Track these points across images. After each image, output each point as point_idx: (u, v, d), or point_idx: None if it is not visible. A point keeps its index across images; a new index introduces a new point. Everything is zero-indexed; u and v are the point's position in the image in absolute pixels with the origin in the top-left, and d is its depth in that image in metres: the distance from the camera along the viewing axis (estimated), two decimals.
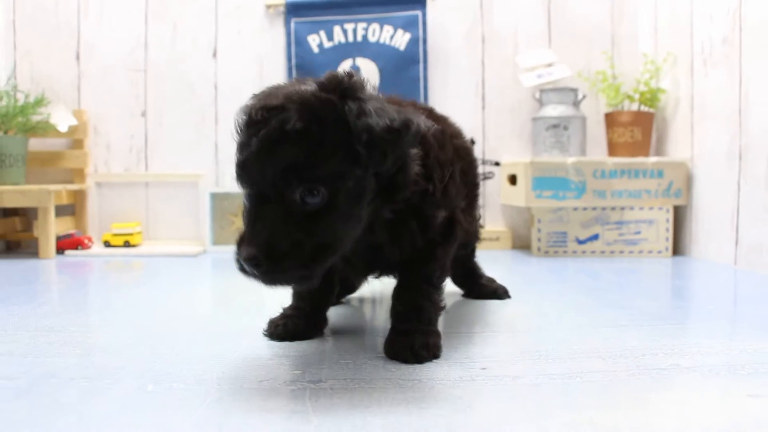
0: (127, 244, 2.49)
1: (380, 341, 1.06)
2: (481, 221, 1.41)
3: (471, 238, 1.37)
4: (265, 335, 1.13)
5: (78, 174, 2.61)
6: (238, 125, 0.85)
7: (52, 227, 2.30)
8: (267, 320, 1.15)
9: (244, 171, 0.82)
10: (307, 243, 0.81)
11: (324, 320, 1.17)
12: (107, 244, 2.49)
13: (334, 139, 0.81)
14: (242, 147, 0.83)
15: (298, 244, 0.81)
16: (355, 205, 0.84)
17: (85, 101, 2.63)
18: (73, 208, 2.62)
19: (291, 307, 1.16)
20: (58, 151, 2.61)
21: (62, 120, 2.48)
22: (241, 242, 0.82)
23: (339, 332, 1.17)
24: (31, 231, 2.55)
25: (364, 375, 0.91)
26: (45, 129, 2.45)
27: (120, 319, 1.31)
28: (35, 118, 2.45)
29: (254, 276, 0.82)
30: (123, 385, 0.87)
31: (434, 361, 0.98)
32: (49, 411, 0.78)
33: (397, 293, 1.07)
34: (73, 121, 2.51)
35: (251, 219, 0.82)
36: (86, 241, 2.44)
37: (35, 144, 2.55)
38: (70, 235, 2.42)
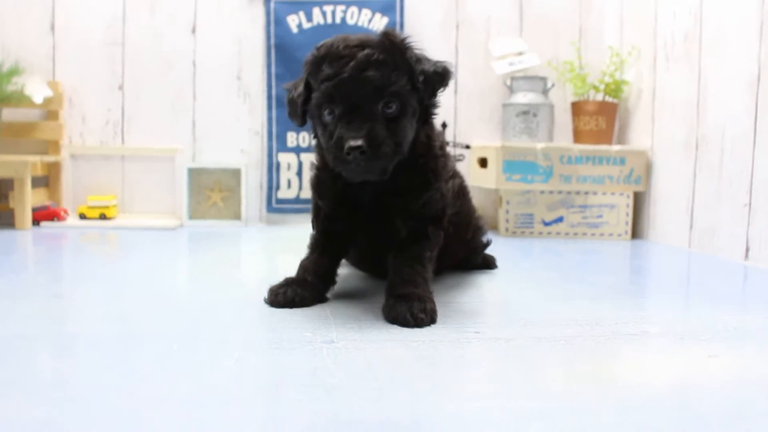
0: (102, 217, 2.50)
1: (376, 308, 1.16)
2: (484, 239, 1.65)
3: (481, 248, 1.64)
4: (266, 303, 1.20)
5: (52, 146, 2.60)
6: (319, 61, 1.10)
7: (28, 198, 2.30)
8: (267, 289, 1.22)
9: (339, 89, 1.06)
10: (389, 140, 1.07)
11: (324, 296, 1.25)
12: (82, 217, 2.50)
13: (402, 72, 1.10)
14: (333, 75, 1.07)
15: (386, 139, 1.07)
16: (413, 117, 1.14)
17: (60, 73, 2.60)
18: (46, 180, 2.61)
19: (293, 278, 1.24)
20: (32, 122, 2.58)
21: (37, 91, 2.46)
22: (340, 143, 1.05)
23: (336, 300, 1.25)
24: (1, 201, 2.54)
25: (371, 336, 1.00)
26: (19, 99, 2.43)
27: (121, 289, 1.37)
28: (9, 88, 2.43)
29: (356, 163, 1.05)
30: (152, 346, 0.94)
31: (431, 325, 1.07)
32: (95, 369, 0.84)
33: (394, 267, 1.18)
34: (49, 93, 2.49)
35: (347, 122, 1.06)
36: (62, 213, 2.45)
37: (7, 114, 2.53)
38: (45, 207, 2.43)
